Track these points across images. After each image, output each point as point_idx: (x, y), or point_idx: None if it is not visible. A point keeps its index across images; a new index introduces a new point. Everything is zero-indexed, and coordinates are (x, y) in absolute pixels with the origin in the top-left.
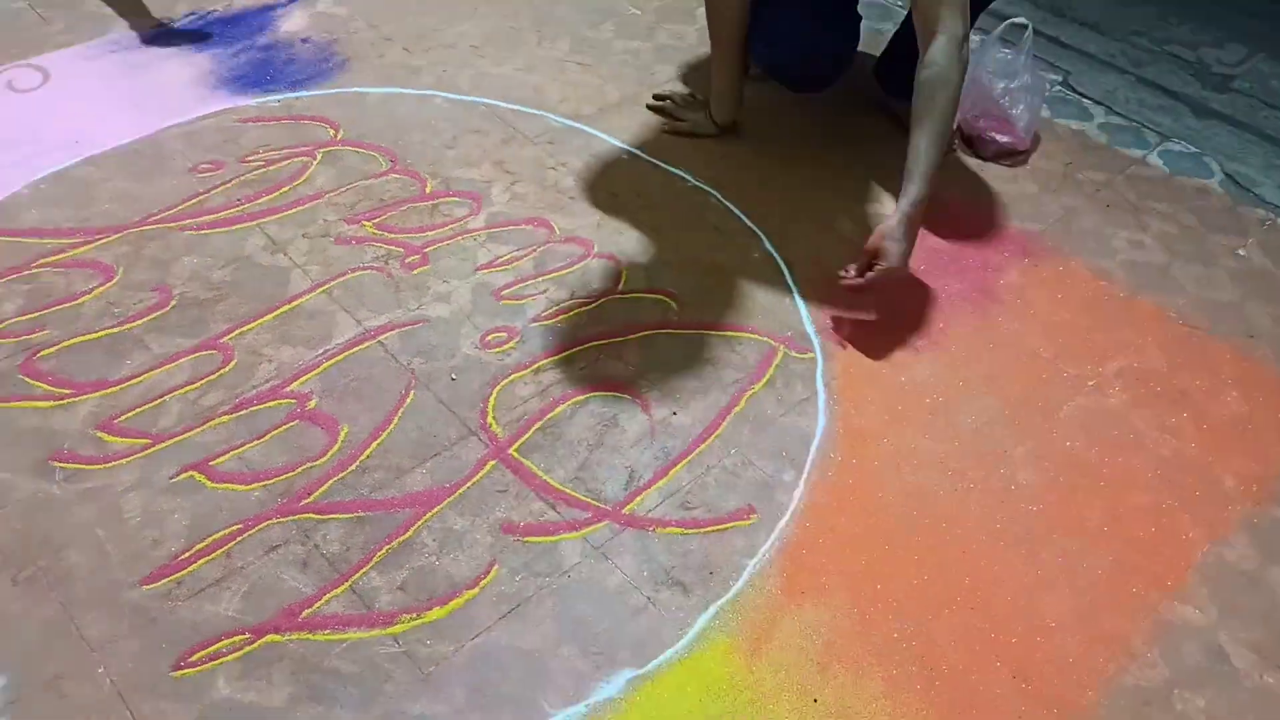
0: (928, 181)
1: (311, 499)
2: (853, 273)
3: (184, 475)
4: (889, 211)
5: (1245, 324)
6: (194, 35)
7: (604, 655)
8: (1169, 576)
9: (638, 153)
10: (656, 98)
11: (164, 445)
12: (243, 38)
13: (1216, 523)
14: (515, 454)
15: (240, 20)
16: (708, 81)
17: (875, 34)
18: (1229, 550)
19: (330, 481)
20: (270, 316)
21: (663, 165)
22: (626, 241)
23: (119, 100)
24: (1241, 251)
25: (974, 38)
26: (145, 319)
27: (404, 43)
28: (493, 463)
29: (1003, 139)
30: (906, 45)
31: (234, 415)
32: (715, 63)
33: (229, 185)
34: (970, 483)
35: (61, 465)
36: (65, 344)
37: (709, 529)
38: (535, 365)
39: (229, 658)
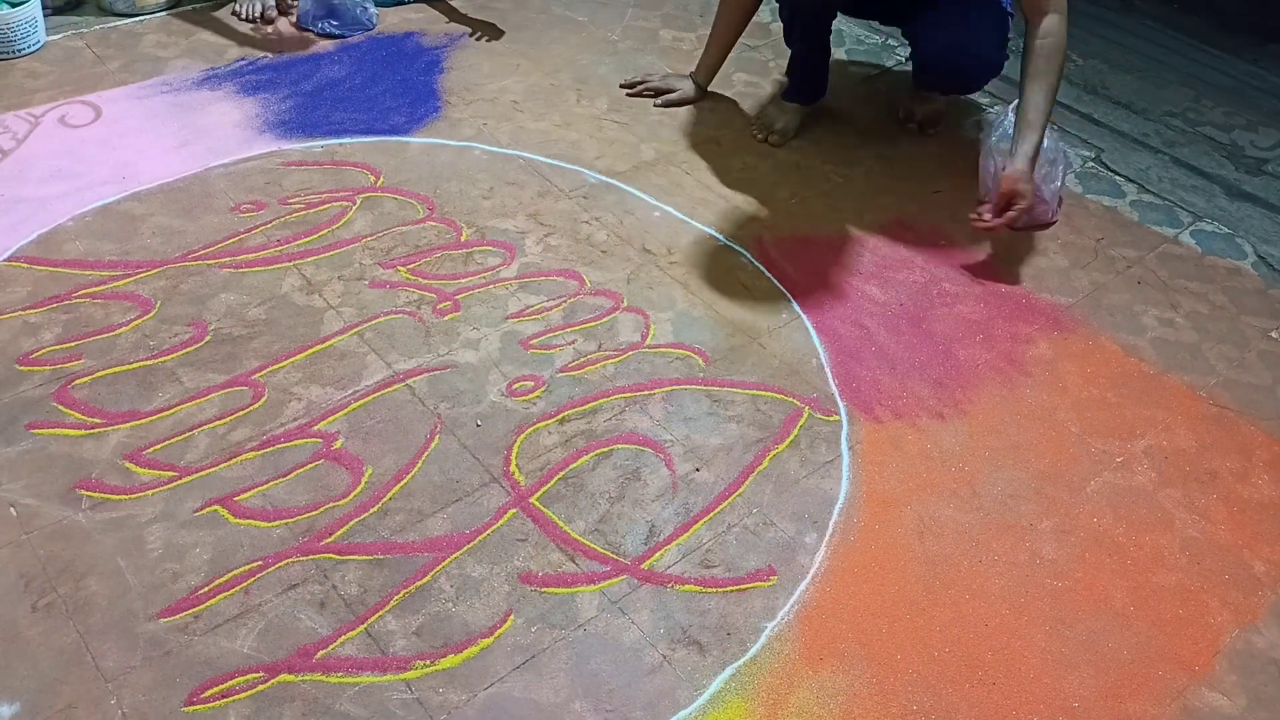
0: (1042, 132)
1: (332, 539)
2: (987, 216)
3: (208, 509)
4: (916, 268)
5: (1276, 407)
6: (244, 80)
7: (617, 713)
8: (1196, 661)
9: (670, 210)
10: (627, 85)
11: (190, 479)
12: (290, 84)
13: (1244, 608)
14: (536, 503)
15: (289, 67)
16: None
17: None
18: (1258, 637)
19: (352, 522)
20: (301, 356)
21: (694, 223)
22: (656, 296)
23: (167, 139)
24: (1274, 334)
25: (998, 108)
26: (179, 353)
27: (446, 95)
28: (514, 511)
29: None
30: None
31: (260, 452)
32: (717, 34)
33: (269, 225)
34: (994, 555)
35: (88, 494)
36: (100, 374)
37: (728, 588)
38: (560, 415)
39: (241, 696)
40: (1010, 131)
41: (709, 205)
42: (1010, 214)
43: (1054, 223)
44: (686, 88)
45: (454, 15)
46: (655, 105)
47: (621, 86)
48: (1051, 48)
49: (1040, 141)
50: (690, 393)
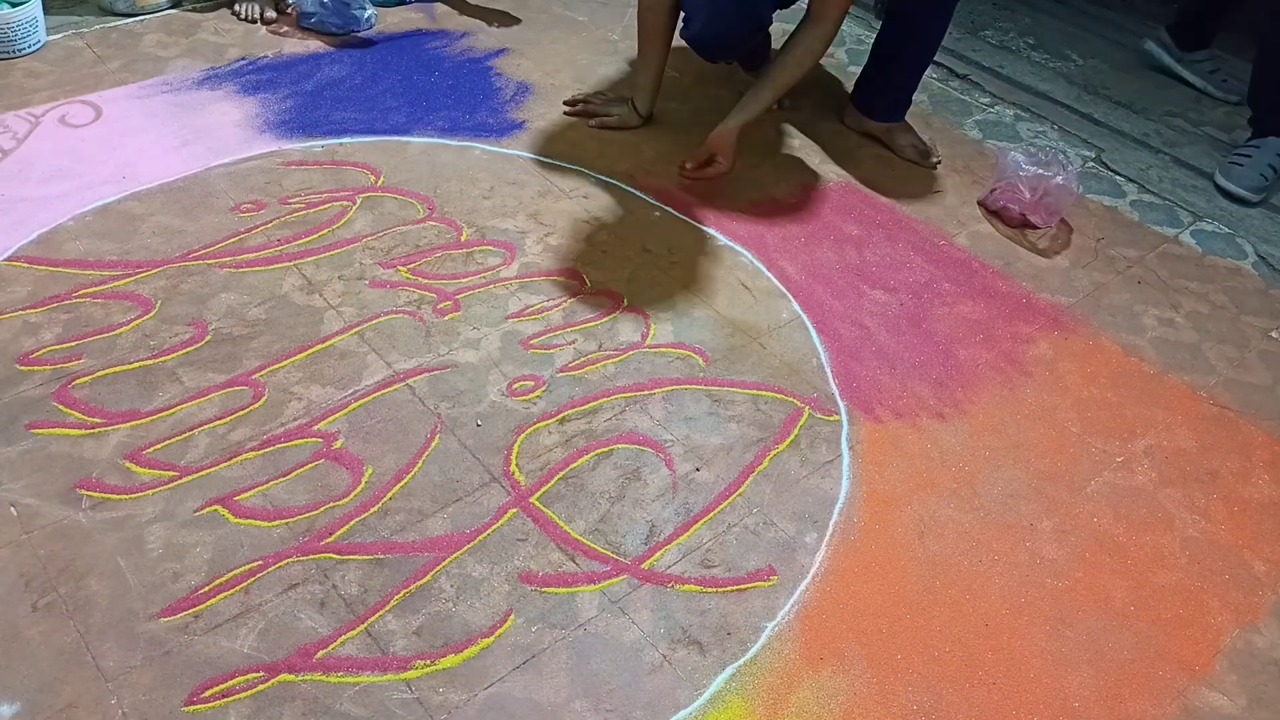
0: (757, 113)
1: (332, 539)
2: (690, 167)
3: (208, 509)
4: (916, 268)
5: (1277, 407)
6: (244, 80)
7: (617, 713)
8: (1196, 661)
9: (670, 210)
10: (570, 102)
11: (190, 478)
12: (290, 83)
13: (1245, 608)
14: (536, 503)
15: (289, 67)
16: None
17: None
18: (1258, 637)
19: (352, 522)
20: (302, 355)
21: (694, 223)
22: (656, 296)
23: (168, 138)
24: (1274, 334)
25: (999, 107)
26: (179, 353)
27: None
28: (514, 511)
29: (1029, 213)
30: (878, 69)
31: (260, 452)
32: (642, 57)
33: (269, 225)
34: (995, 555)
35: (88, 493)
36: (100, 373)
37: (728, 588)
38: (560, 415)
39: (241, 695)
40: (1022, 163)
41: (709, 205)
42: (710, 170)
43: (1052, 225)
44: (625, 113)
45: (464, 8)
46: (590, 126)
47: (565, 104)
48: (800, 50)
49: (752, 119)
50: (690, 393)
